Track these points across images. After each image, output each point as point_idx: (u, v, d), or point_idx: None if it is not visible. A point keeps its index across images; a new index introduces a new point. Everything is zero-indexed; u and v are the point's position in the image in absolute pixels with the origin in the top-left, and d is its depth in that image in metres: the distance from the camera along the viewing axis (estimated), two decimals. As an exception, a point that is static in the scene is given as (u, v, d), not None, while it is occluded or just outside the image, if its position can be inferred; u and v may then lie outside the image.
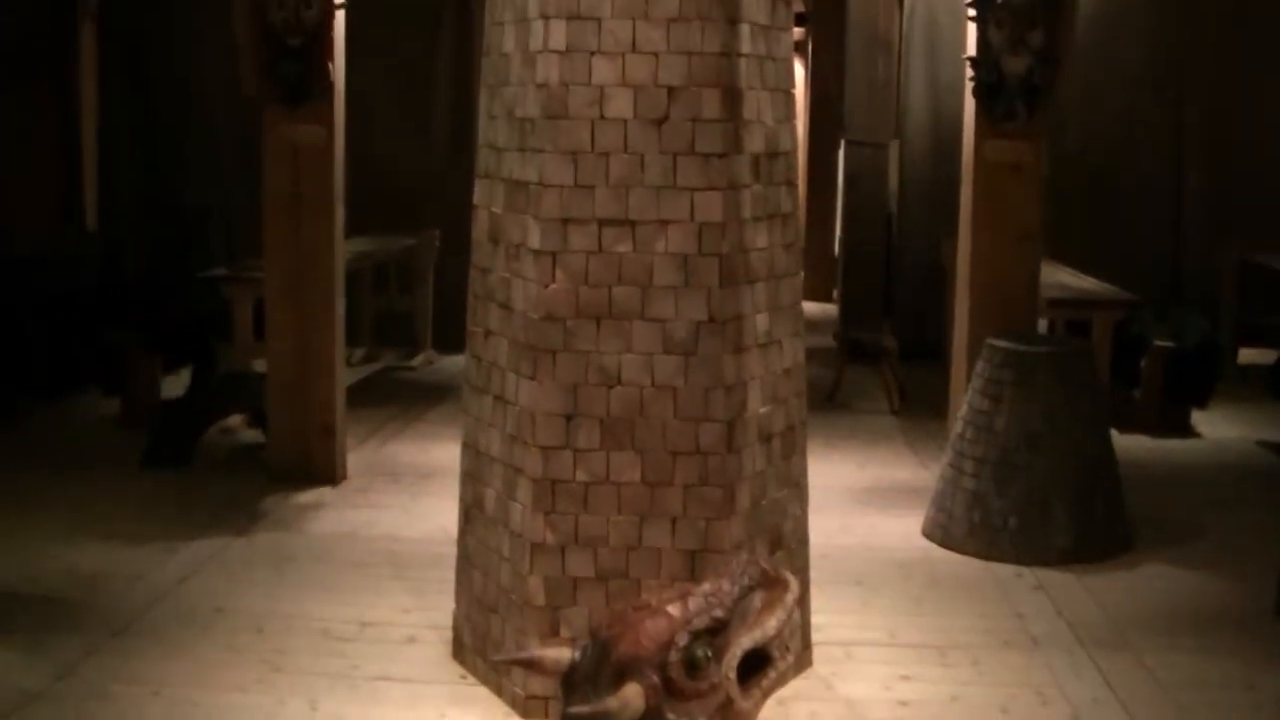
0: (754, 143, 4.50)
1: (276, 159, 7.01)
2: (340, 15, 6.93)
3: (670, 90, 4.32)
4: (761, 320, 4.55)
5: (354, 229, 7.76)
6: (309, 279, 7.05)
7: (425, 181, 10.99)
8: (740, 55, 4.41)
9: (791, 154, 4.78)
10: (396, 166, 10.92)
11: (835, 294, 12.34)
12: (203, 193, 11.27)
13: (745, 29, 4.44)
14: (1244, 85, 10.96)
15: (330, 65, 6.88)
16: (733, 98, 4.38)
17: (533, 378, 4.42)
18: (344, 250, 7.29)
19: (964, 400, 6.61)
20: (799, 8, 10.98)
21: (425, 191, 10.95)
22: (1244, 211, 10.92)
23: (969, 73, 6.99)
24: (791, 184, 4.77)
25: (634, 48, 4.32)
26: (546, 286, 4.36)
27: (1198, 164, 11.09)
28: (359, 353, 10.27)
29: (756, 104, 4.51)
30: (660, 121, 4.32)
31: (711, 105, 4.34)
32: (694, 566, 4.40)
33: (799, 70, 12.68)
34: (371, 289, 10.57)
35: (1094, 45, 10.03)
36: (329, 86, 6.90)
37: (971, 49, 6.97)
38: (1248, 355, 10.64)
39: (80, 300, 9.81)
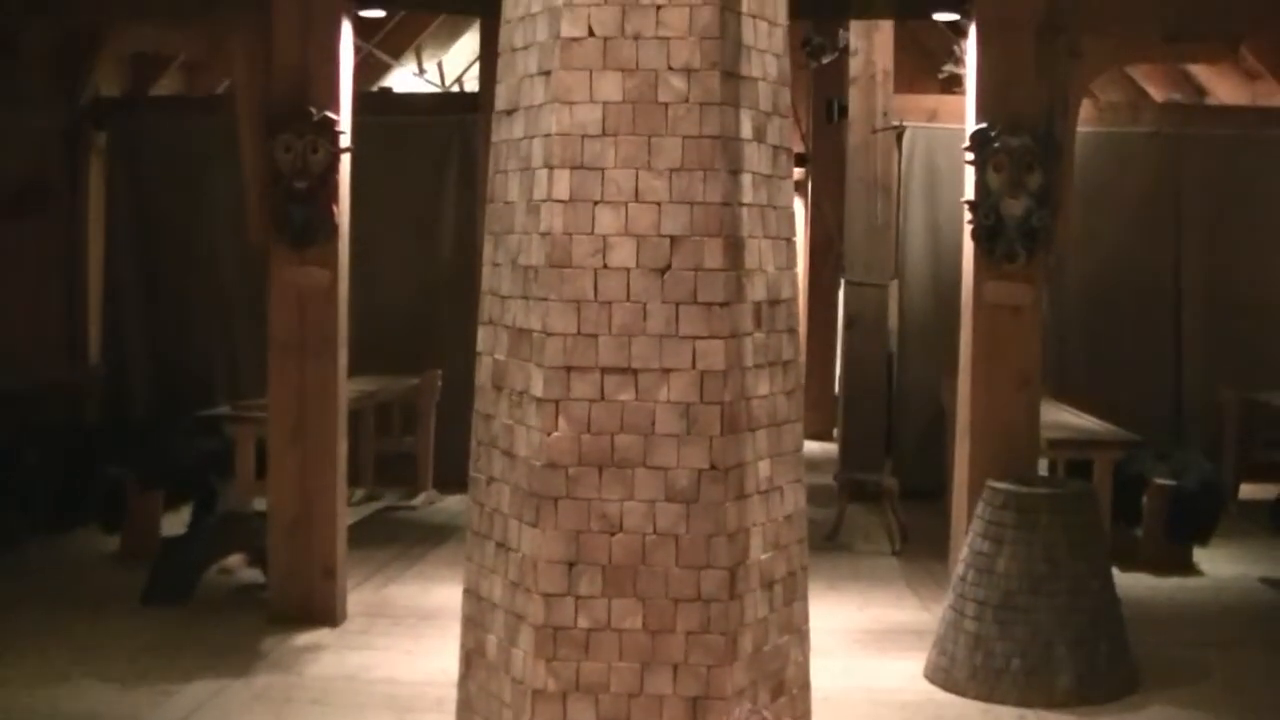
0: (756, 291, 4.54)
1: (281, 301, 7.07)
2: (346, 160, 7.03)
3: (673, 240, 4.37)
4: (764, 467, 4.56)
5: (357, 368, 7.79)
6: (312, 421, 7.09)
7: (429, 322, 11.06)
8: (742, 205, 4.46)
9: (793, 301, 4.81)
10: (400, 307, 10.99)
11: (836, 433, 12.35)
12: (206, 330, 11.35)
13: (747, 179, 4.50)
14: (1240, 222, 11.08)
15: (336, 209, 6.96)
16: (735, 247, 4.42)
17: (535, 525, 4.42)
18: (347, 392, 7.32)
19: (965, 542, 6.60)
20: (798, 149, 11.10)
21: (429, 332, 11.01)
22: (1244, 348, 11.00)
23: (968, 215, 7.05)
24: (793, 331, 4.80)
25: (637, 197, 4.38)
26: (549, 434, 4.38)
27: (1196, 301, 11.18)
28: (360, 492, 10.26)
29: (758, 252, 4.55)
30: (663, 271, 4.36)
31: (714, 254, 4.38)
32: (696, 714, 4.37)
33: (799, 209, 12.79)
34: (374, 428, 10.58)
35: (1091, 186, 10.13)
36: (334, 230, 6.98)
37: (970, 192, 7.04)
38: (1249, 491, 10.64)
39: (81, 435, 9.85)
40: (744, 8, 4.48)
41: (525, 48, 4.61)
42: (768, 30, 4.63)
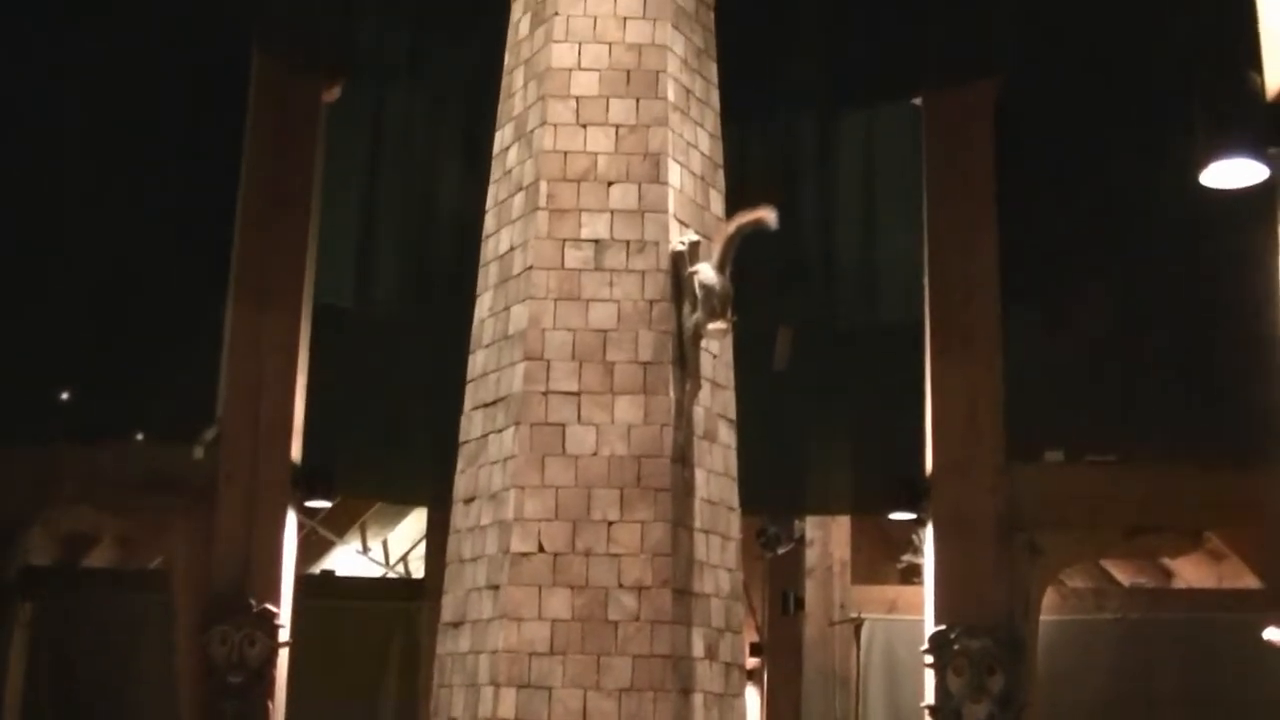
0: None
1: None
2: (284, 653, 6.82)
3: (622, 782, 4.17)
4: None
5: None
6: None
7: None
8: (695, 728, 4.28)
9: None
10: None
11: None
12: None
13: (699, 698, 4.35)
14: (1212, 710, 10.81)
15: (271, 705, 6.72)
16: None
17: None
18: None
19: None
20: (752, 637, 10.94)
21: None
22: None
23: (928, 720, 6.87)
24: None
25: (585, 718, 4.19)
26: None
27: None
28: None
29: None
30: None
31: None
32: None
33: (753, 699, 12.53)
34: None
35: (1056, 676, 9.87)
36: (268, 728, 6.72)
37: (930, 696, 6.87)
38: None
39: None
40: (696, 523, 4.41)
41: (474, 559, 4.50)
42: (720, 545, 4.55)
